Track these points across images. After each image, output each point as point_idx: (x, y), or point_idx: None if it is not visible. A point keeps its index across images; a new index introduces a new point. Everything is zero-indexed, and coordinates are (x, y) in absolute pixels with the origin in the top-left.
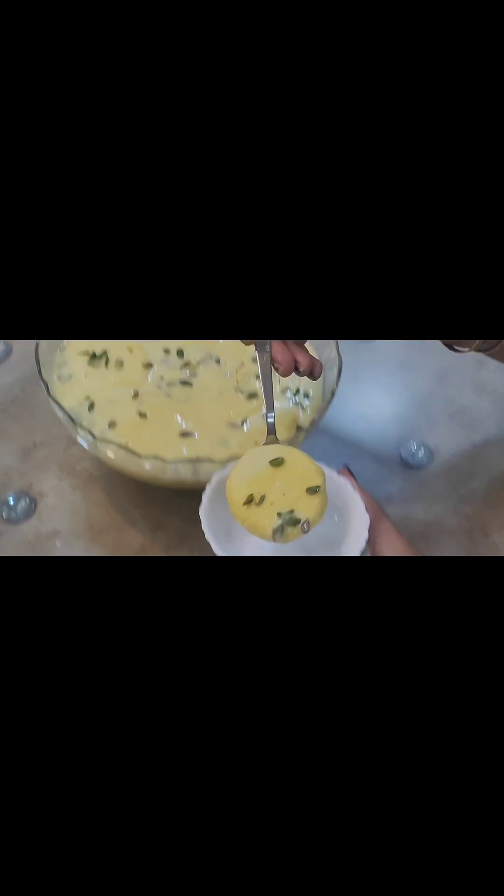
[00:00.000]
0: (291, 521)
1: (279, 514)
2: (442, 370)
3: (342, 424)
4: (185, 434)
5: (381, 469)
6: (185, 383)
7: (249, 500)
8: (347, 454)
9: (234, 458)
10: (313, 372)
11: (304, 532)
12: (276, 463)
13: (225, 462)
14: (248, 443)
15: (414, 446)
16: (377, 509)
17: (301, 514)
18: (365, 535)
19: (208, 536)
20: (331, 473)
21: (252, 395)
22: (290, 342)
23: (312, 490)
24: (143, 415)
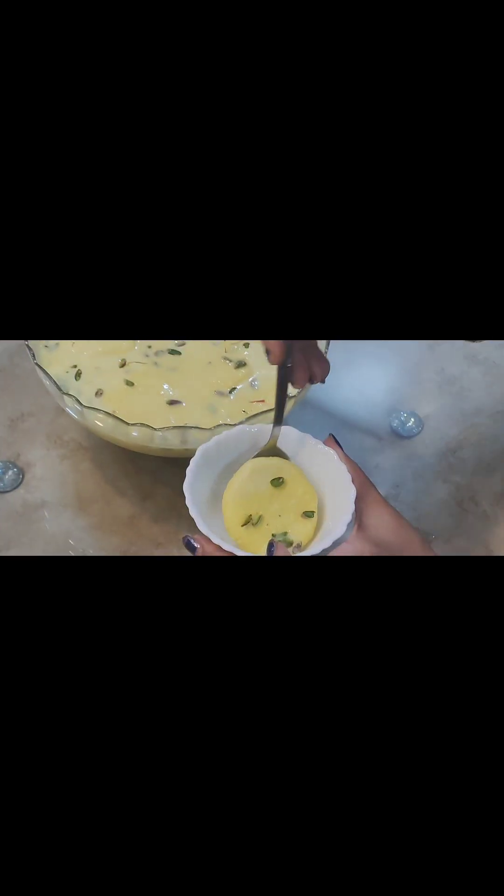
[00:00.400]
0: (285, 542)
1: (273, 535)
2: (432, 339)
3: (332, 394)
4: (172, 402)
5: (371, 439)
6: (173, 352)
7: (247, 522)
8: (337, 424)
9: (222, 426)
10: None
11: (295, 553)
12: (277, 483)
13: (213, 429)
14: (236, 411)
15: (404, 416)
16: (364, 480)
17: (294, 537)
18: (351, 507)
19: (192, 512)
20: (316, 444)
21: (241, 364)
22: (311, 351)
23: (307, 515)
24: (130, 383)
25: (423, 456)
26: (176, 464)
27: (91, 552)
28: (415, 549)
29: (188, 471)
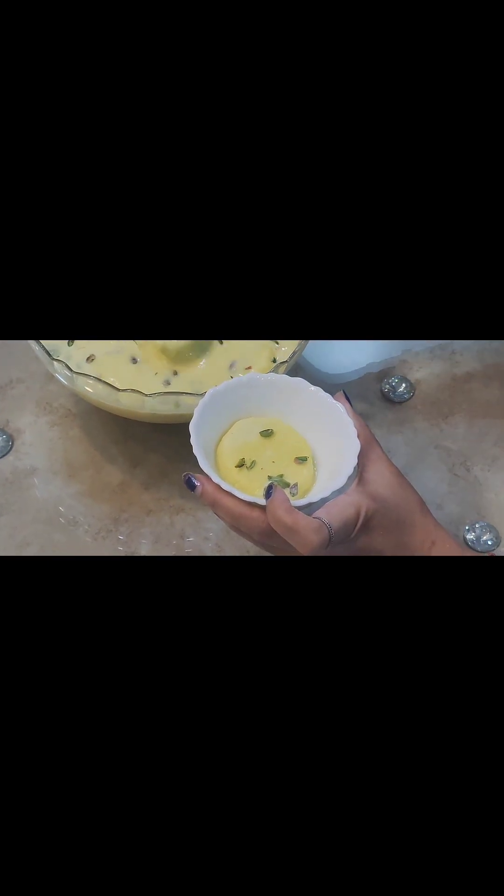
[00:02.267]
0: (282, 484)
1: (269, 478)
2: None
3: (322, 359)
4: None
5: (362, 404)
6: None
7: (240, 465)
8: (327, 389)
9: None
10: None
11: (293, 496)
12: (266, 434)
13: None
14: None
15: (395, 381)
16: (369, 436)
17: (290, 480)
18: (353, 461)
19: (196, 451)
20: (326, 397)
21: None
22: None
23: (301, 460)
24: (121, 350)
25: (414, 421)
26: (166, 430)
27: (81, 519)
28: (412, 508)
29: (196, 410)
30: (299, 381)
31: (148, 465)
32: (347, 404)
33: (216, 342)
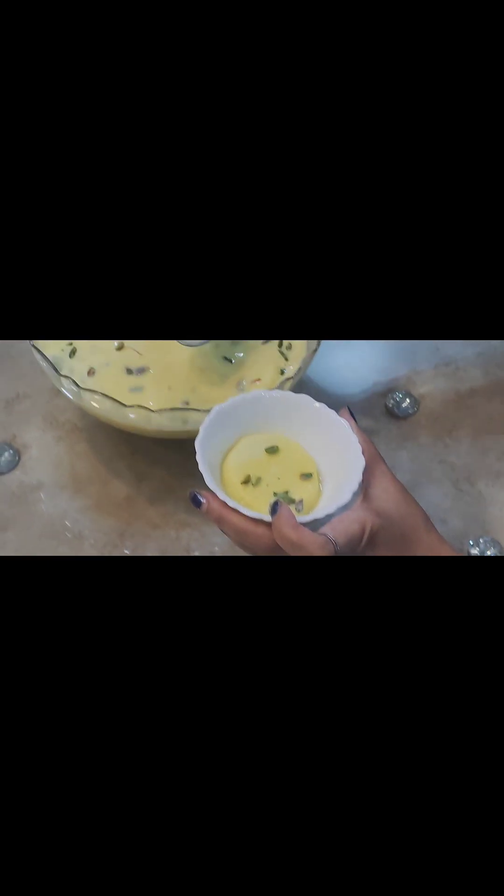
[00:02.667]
0: (287, 500)
1: (275, 494)
2: None
3: (327, 375)
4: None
5: (367, 419)
6: None
7: (246, 481)
8: (332, 404)
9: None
10: None
11: (298, 512)
12: (272, 450)
13: (209, 411)
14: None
15: (399, 396)
16: (374, 453)
17: (296, 496)
18: (358, 477)
19: (202, 468)
20: (331, 413)
21: (227, 360)
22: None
23: (306, 476)
24: (124, 367)
25: (418, 436)
26: (172, 445)
27: (87, 533)
28: (416, 523)
29: (201, 427)
30: (304, 398)
31: (154, 479)
32: (352, 420)
33: (229, 362)
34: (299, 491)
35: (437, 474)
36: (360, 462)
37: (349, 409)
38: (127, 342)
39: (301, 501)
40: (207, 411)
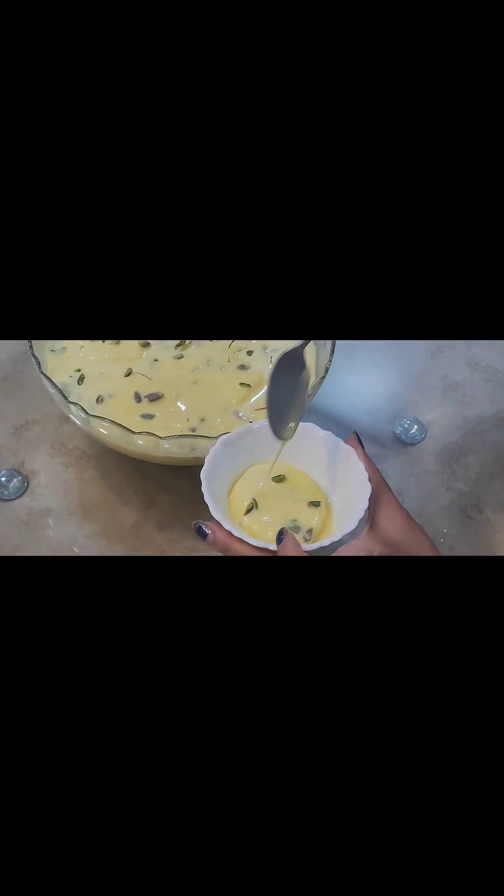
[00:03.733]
0: (294, 529)
1: (282, 522)
2: (435, 346)
3: (335, 401)
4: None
5: (374, 446)
6: (178, 357)
7: (250, 509)
8: (340, 431)
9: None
10: None
11: (306, 541)
12: (278, 479)
13: (217, 438)
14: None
15: (407, 423)
16: (380, 480)
17: (303, 524)
18: (365, 504)
19: (207, 499)
20: (337, 441)
21: (242, 367)
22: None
23: (313, 504)
24: (132, 393)
25: (426, 463)
26: (180, 471)
27: None
28: (423, 551)
29: (207, 459)
30: (310, 426)
31: (162, 505)
32: (359, 448)
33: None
34: (306, 519)
35: (444, 501)
36: (367, 489)
37: (357, 435)
38: (135, 368)
39: (309, 530)
40: (216, 438)
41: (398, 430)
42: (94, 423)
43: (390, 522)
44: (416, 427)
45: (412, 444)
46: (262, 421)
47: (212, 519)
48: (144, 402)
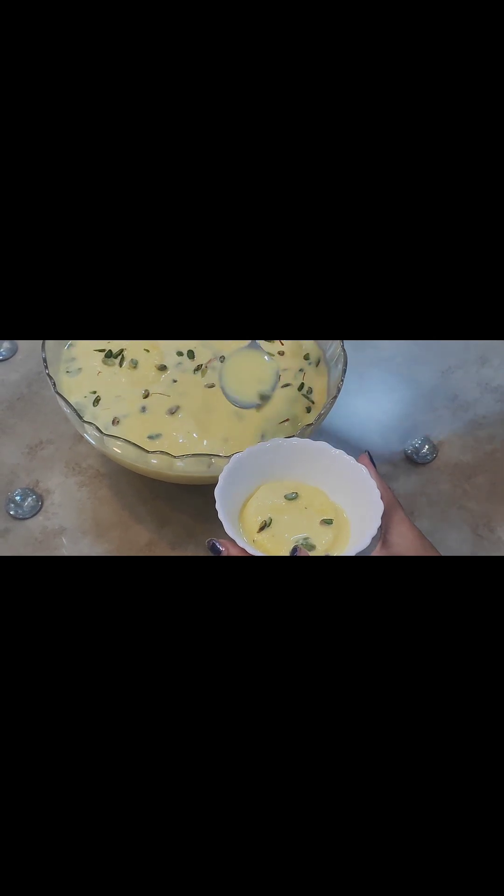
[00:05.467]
0: (307, 546)
1: (294, 540)
2: (446, 366)
3: (347, 421)
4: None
5: (385, 465)
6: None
7: (263, 527)
8: (351, 451)
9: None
10: None
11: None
12: (291, 497)
13: (230, 457)
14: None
15: (418, 442)
16: (392, 499)
17: (316, 542)
18: (377, 522)
19: (221, 516)
20: (349, 460)
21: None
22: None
23: (326, 522)
24: (144, 409)
25: (437, 482)
26: (194, 490)
27: None
28: None
29: (221, 476)
30: (322, 445)
31: (175, 524)
32: (371, 467)
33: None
34: (319, 537)
35: (455, 520)
36: (379, 507)
37: (369, 454)
38: (151, 389)
39: (321, 547)
40: (229, 457)
41: (409, 450)
42: (109, 442)
43: (402, 540)
44: (427, 447)
45: (423, 464)
46: (276, 439)
47: (226, 536)
48: (158, 419)
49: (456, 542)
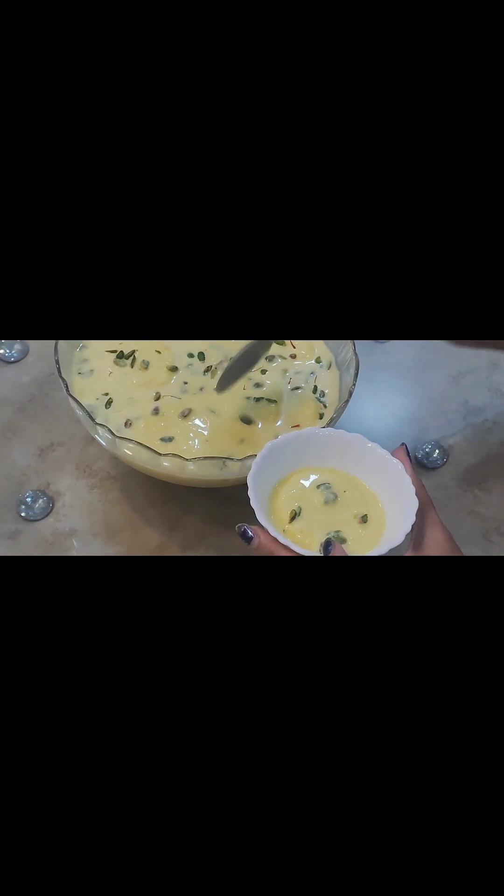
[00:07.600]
0: (339, 539)
1: (327, 533)
2: (456, 371)
3: (357, 425)
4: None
5: None
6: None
7: (294, 516)
8: None
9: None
10: None
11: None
12: (325, 487)
13: (244, 460)
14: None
15: (428, 447)
16: (426, 498)
17: (348, 535)
18: (412, 518)
19: (253, 503)
20: (384, 453)
21: (257, 385)
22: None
23: (359, 515)
24: (157, 411)
25: (447, 487)
26: (205, 493)
27: None
28: None
29: (254, 463)
30: (357, 437)
31: (185, 527)
32: (407, 461)
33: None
34: (351, 530)
35: (466, 525)
36: (414, 504)
37: (405, 447)
38: (163, 392)
39: (353, 541)
40: (241, 460)
41: (419, 455)
42: (120, 444)
43: (433, 544)
44: (437, 451)
45: (433, 469)
46: (311, 428)
47: (256, 524)
48: (170, 422)
49: (465, 547)
